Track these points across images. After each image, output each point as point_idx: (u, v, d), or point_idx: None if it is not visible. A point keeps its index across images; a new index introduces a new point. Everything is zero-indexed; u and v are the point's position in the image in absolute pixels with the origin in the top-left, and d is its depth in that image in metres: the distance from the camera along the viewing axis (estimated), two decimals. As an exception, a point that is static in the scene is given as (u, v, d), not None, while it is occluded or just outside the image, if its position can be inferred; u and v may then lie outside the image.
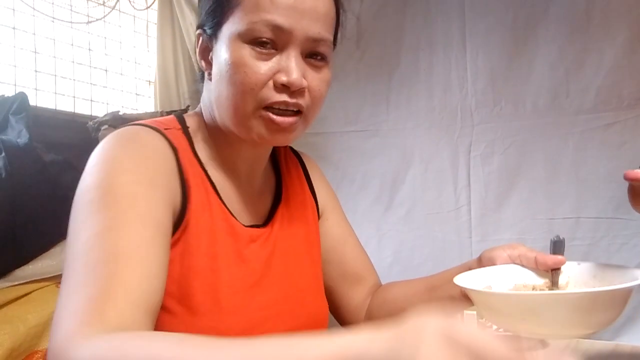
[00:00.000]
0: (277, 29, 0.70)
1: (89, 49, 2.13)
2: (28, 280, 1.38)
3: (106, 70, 2.21)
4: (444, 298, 0.83)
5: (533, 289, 0.76)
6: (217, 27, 0.75)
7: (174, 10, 2.29)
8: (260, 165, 0.86)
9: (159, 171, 0.70)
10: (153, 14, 2.39)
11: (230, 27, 0.73)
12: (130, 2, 2.27)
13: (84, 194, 0.65)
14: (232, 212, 0.79)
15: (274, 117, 0.72)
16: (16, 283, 1.36)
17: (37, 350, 1.28)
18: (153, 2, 2.33)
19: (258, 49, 0.71)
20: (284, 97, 0.71)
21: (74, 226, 0.64)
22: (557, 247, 0.77)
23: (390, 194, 2.04)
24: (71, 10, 2.06)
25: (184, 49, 2.29)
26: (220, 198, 0.78)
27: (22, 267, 1.43)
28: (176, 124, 0.79)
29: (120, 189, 0.64)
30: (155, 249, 0.63)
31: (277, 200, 0.88)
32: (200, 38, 0.79)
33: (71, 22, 2.04)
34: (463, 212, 1.92)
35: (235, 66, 0.71)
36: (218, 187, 0.78)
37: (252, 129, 0.73)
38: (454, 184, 1.94)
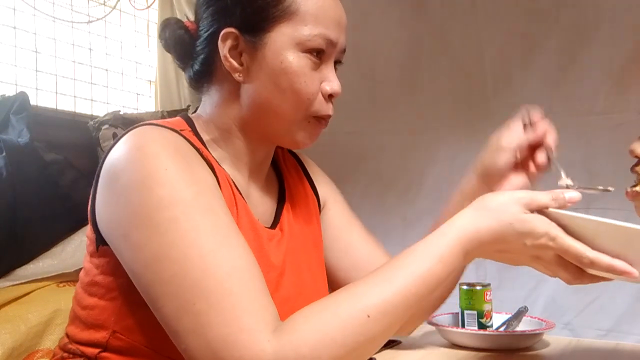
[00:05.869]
0: (329, 42, 0.75)
1: (90, 49, 2.13)
2: (29, 280, 1.38)
3: (107, 70, 2.21)
4: None
5: None
6: (263, 31, 0.75)
7: (175, 10, 2.30)
8: (265, 166, 0.87)
9: (205, 175, 0.71)
10: (154, 14, 2.39)
11: (285, 34, 0.74)
12: (130, 1, 2.27)
13: (158, 211, 0.64)
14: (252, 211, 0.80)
15: (320, 125, 0.79)
16: (17, 282, 1.36)
17: (38, 350, 1.28)
18: (153, 2, 2.33)
19: (313, 60, 0.75)
20: (329, 108, 0.78)
21: (160, 246, 0.63)
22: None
23: (416, 189, 2.15)
24: (72, 10, 2.06)
25: (184, 49, 2.29)
26: (242, 196, 0.78)
27: (23, 267, 1.43)
28: (186, 126, 0.78)
29: (195, 203, 0.66)
30: (248, 249, 0.68)
31: (281, 201, 0.88)
32: (229, 38, 0.76)
33: (72, 22, 2.05)
34: None
35: (296, 75, 0.74)
36: (238, 186, 0.79)
37: (297, 134, 0.78)
38: None
